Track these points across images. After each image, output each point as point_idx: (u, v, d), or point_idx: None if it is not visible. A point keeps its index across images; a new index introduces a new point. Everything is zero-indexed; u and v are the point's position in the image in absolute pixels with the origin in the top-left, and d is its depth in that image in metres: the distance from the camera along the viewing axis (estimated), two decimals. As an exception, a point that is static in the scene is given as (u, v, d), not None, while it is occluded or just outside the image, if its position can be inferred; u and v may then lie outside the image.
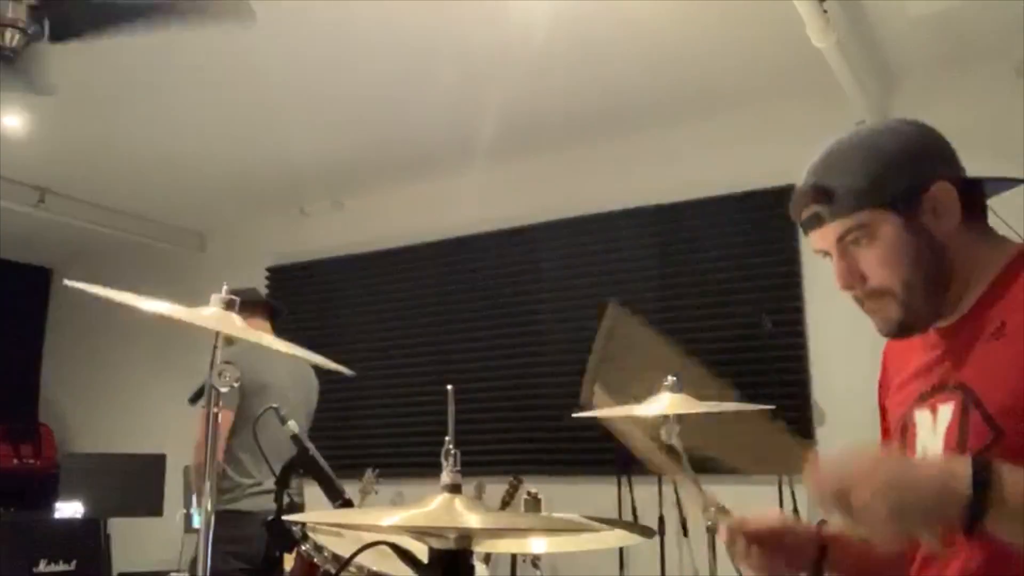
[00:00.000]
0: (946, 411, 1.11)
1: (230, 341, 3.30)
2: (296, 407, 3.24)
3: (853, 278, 1.16)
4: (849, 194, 1.13)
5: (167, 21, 2.75)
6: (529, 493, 2.13)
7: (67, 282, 1.58)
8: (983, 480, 0.90)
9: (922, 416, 1.16)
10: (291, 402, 3.21)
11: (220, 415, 3.02)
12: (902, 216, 1.12)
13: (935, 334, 1.19)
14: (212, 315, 1.57)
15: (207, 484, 1.71)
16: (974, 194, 1.15)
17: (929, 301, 1.13)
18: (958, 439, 1.08)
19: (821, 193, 1.15)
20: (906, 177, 1.12)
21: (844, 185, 1.13)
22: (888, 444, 1.27)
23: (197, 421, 2.87)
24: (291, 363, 3.38)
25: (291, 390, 3.29)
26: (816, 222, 1.17)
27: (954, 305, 1.15)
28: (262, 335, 1.89)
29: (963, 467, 0.91)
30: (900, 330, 1.16)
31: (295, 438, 1.81)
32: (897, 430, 1.22)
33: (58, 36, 2.55)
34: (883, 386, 1.33)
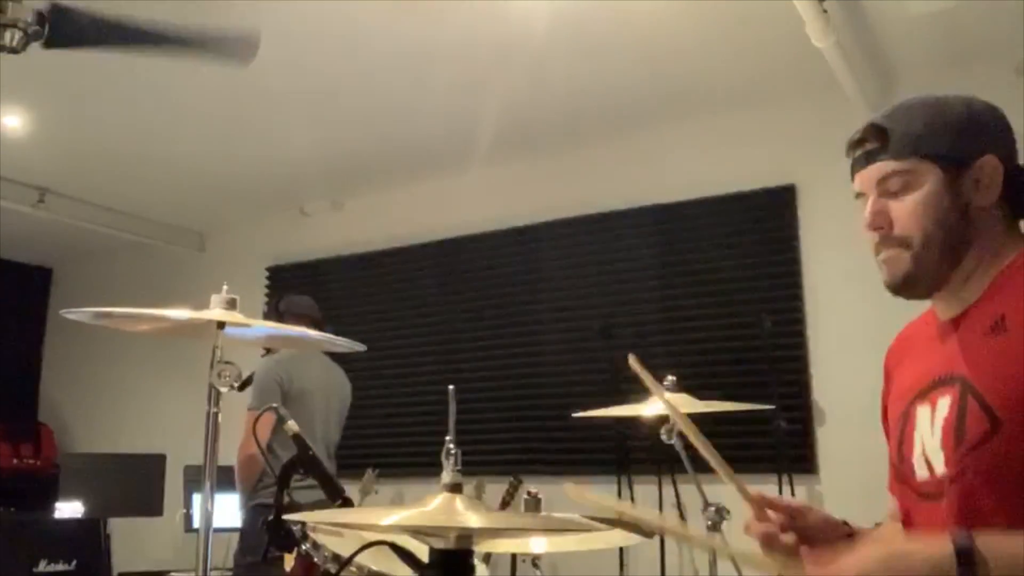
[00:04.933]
0: (944, 404, 1.12)
1: (269, 350, 3.50)
2: (332, 413, 3.54)
3: (882, 220, 1.18)
4: (904, 138, 1.16)
5: (168, 50, 2.74)
6: (529, 493, 2.13)
7: (64, 312, 1.62)
8: (968, 565, 0.93)
9: (922, 411, 1.16)
10: (329, 408, 3.47)
11: (263, 418, 3.03)
12: (946, 174, 1.14)
13: (938, 327, 1.20)
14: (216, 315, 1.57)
15: (207, 484, 1.71)
16: (1020, 185, 1.17)
17: (941, 262, 1.15)
18: (955, 429, 1.08)
19: (879, 131, 1.18)
20: (962, 139, 1.15)
21: (901, 129, 1.16)
22: (888, 442, 1.27)
23: (244, 422, 3.12)
24: (327, 371, 3.63)
25: (329, 397, 3.54)
26: (865, 160, 1.19)
27: (961, 289, 1.16)
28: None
29: (948, 554, 0.95)
30: (905, 282, 1.17)
31: (296, 437, 1.81)
32: (896, 426, 1.22)
33: (52, 44, 2.55)
34: (885, 393, 1.33)
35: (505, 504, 3.99)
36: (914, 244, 1.15)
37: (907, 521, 1.21)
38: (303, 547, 1.62)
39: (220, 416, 1.73)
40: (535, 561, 2.93)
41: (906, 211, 1.16)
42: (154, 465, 4.70)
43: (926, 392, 1.16)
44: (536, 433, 4.31)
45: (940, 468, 1.11)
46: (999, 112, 1.20)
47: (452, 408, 1.16)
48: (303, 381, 3.41)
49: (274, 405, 1.92)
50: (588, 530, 1.10)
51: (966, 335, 1.13)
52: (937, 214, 1.14)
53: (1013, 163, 1.17)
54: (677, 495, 3.60)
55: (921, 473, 1.15)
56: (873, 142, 1.18)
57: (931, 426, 1.13)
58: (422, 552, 1.00)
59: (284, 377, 3.35)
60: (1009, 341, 1.06)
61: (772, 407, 3.36)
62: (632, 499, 3.82)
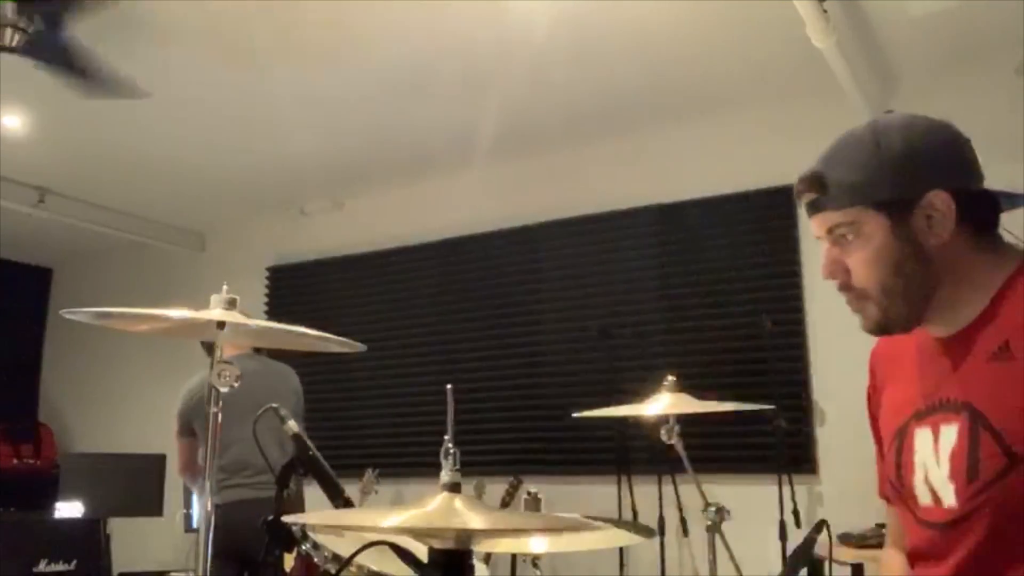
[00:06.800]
0: (950, 432, 1.08)
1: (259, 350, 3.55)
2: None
3: (837, 270, 1.16)
4: (841, 189, 1.12)
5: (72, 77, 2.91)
6: (529, 493, 2.13)
7: (64, 312, 1.62)
8: None
9: (922, 434, 1.13)
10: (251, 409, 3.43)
11: (178, 444, 3.46)
12: (891, 220, 1.10)
13: (934, 343, 1.16)
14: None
15: (207, 484, 1.71)
16: (980, 205, 1.12)
17: (908, 308, 1.12)
18: (968, 465, 1.05)
19: (817, 182, 1.15)
20: (902, 182, 1.09)
21: (839, 179, 1.13)
22: (880, 450, 1.25)
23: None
24: (255, 377, 3.58)
25: (255, 399, 3.51)
26: (812, 209, 1.17)
27: (951, 314, 1.12)
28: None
29: None
30: (879, 330, 1.16)
31: (296, 437, 1.81)
32: (892, 445, 1.19)
33: (27, 52, 2.58)
34: (871, 397, 1.30)
35: (505, 504, 3.99)
36: (873, 296, 1.13)
37: (908, 543, 1.19)
38: (303, 547, 1.62)
39: (220, 416, 1.73)
40: (535, 561, 2.94)
41: (859, 264, 1.13)
42: (154, 465, 4.70)
43: (925, 414, 1.13)
44: (536, 433, 4.31)
45: (949, 500, 1.07)
46: (947, 133, 1.13)
47: (451, 408, 1.16)
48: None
49: (274, 405, 1.92)
50: (588, 530, 1.10)
51: (968, 358, 1.09)
52: (890, 264, 1.10)
53: (967, 188, 1.11)
54: (677, 495, 3.60)
55: (925, 502, 1.12)
56: (813, 192, 1.15)
57: (935, 454, 1.09)
58: (422, 552, 1.00)
59: (186, 403, 3.48)
60: (1018, 369, 1.02)
61: (772, 407, 3.36)
62: (632, 499, 3.82)
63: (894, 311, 1.12)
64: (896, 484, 1.18)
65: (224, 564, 1.61)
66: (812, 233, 1.20)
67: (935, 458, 1.10)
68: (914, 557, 1.15)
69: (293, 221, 5.39)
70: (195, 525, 4.29)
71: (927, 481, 1.11)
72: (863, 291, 1.14)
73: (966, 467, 1.05)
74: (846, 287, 1.16)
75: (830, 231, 1.15)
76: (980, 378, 1.07)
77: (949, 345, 1.13)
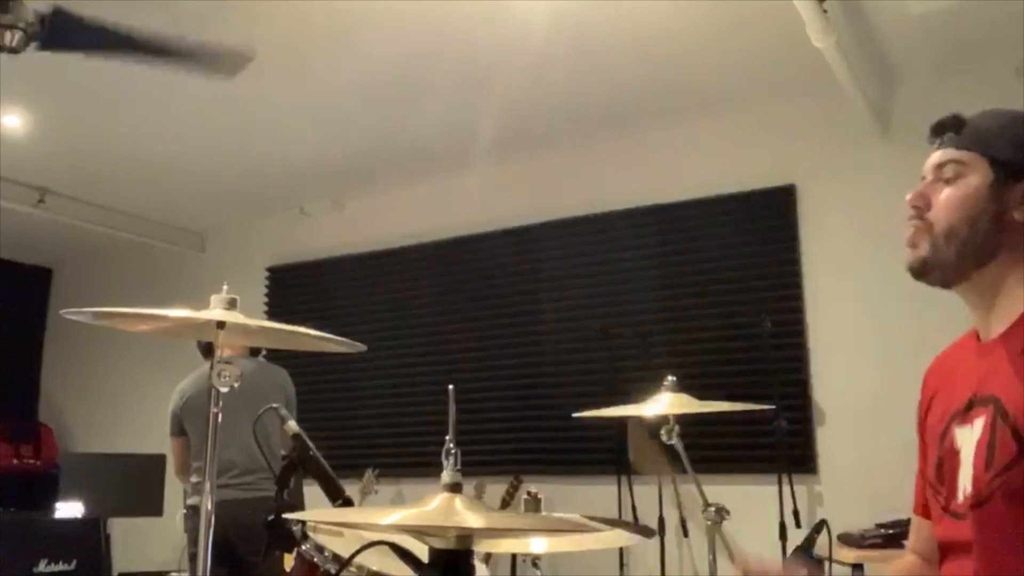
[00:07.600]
0: (979, 424, 1.12)
1: (256, 350, 3.55)
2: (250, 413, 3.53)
3: (921, 200, 1.21)
4: (974, 132, 1.19)
5: (161, 60, 2.76)
6: (529, 493, 2.12)
7: (64, 312, 1.62)
8: None
9: (961, 432, 1.16)
10: (245, 410, 3.44)
11: (171, 443, 3.59)
12: (995, 177, 1.16)
13: (981, 349, 1.20)
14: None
15: (207, 483, 1.71)
16: None
17: (957, 259, 1.17)
18: (987, 453, 1.08)
19: (957, 121, 1.22)
20: None
21: (975, 125, 1.20)
22: (923, 457, 1.28)
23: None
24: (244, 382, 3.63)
25: (244, 401, 3.59)
26: (938, 143, 1.23)
27: (1000, 309, 1.16)
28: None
29: None
30: (920, 267, 1.20)
31: (297, 437, 1.81)
32: (935, 446, 1.22)
33: (48, 46, 2.54)
34: (922, 411, 1.33)
35: (505, 504, 3.99)
36: (935, 231, 1.18)
37: (938, 539, 1.21)
38: (303, 547, 1.62)
39: (220, 416, 1.73)
40: (535, 561, 2.94)
41: (945, 199, 1.19)
42: (154, 465, 4.69)
43: (963, 412, 1.16)
44: (536, 433, 4.31)
45: (967, 488, 1.11)
46: None
47: (452, 408, 1.16)
48: (200, 397, 3.44)
49: (274, 405, 1.92)
50: (588, 530, 1.10)
51: (1003, 356, 1.14)
52: (971, 212, 1.16)
53: None
54: (677, 495, 3.60)
55: (952, 492, 1.15)
56: (950, 129, 1.22)
57: (971, 447, 1.13)
58: (422, 552, 1.00)
59: (177, 403, 3.56)
60: None
61: (772, 407, 3.36)
62: (632, 499, 3.82)
63: (944, 255, 1.18)
64: (936, 483, 1.21)
65: (212, 564, 1.62)
66: (922, 171, 1.25)
67: (969, 451, 1.14)
68: (943, 551, 1.18)
69: (293, 221, 5.39)
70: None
71: (959, 473, 1.15)
72: (930, 224, 1.19)
73: (985, 456, 1.09)
74: (918, 216, 1.21)
75: (939, 166, 1.21)
76: (1010, 372, 1.11)
77: (993, 347, 1.17)
